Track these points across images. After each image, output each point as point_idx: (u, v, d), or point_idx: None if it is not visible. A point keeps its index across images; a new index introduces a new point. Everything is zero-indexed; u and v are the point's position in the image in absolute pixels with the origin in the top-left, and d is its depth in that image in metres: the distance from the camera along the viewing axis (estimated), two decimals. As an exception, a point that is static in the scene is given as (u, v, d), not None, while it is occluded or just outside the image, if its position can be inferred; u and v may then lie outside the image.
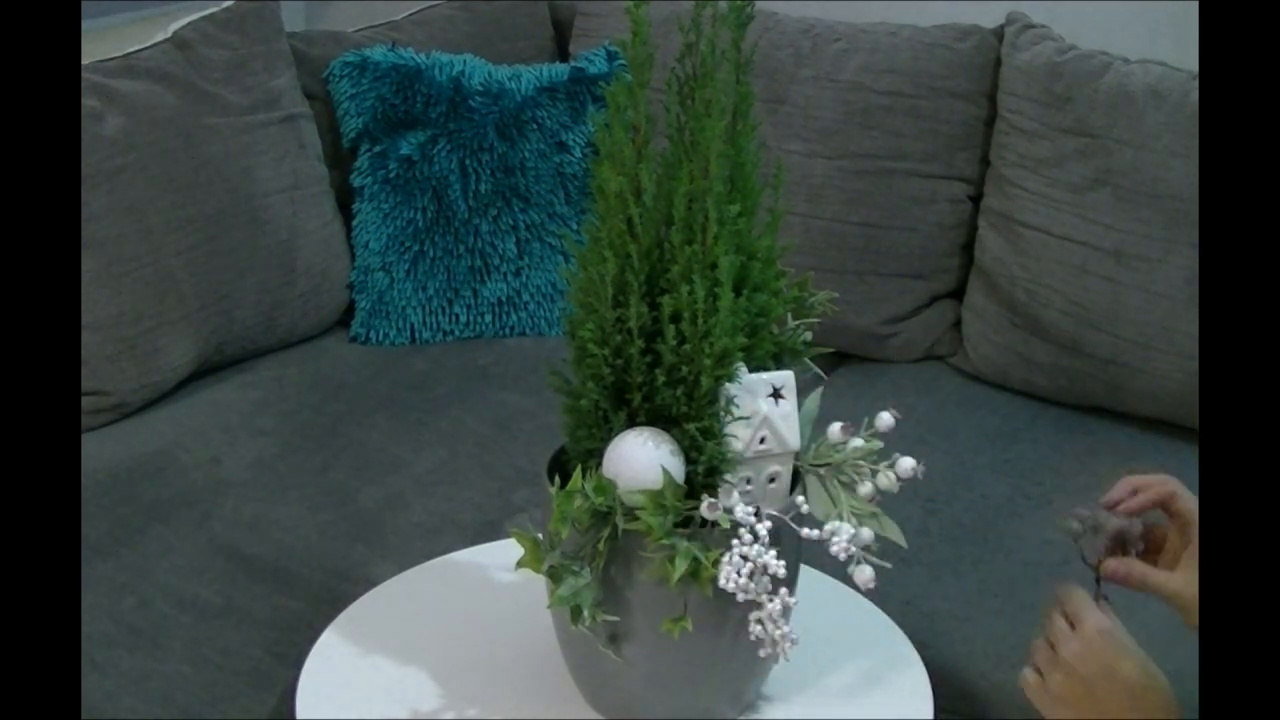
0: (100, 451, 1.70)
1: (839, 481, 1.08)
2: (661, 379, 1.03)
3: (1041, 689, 1.05)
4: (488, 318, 2.11)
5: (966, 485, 1.70)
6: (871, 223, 2.02)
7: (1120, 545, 1.12)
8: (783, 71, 2.07)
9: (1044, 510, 1.65)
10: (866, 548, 1.04)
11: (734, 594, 1.00)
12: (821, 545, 1.03)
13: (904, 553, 1.06)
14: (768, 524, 1.00)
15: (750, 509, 1.01)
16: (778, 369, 1.09)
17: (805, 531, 1.03)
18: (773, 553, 1.00)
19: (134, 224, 1.80)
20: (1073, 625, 1.04)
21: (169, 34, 1.95)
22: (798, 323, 1.15)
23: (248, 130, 1.96)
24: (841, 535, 1.02)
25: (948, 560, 1.56)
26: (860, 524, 1.04)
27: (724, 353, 1.02)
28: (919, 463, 1.06)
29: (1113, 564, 1.10)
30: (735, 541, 1.00)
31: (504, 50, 2.27)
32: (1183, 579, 1.07)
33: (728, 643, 1.06)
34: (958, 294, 2.06)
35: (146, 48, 1.92)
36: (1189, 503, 1.09)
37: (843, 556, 1.03)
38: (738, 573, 0.99)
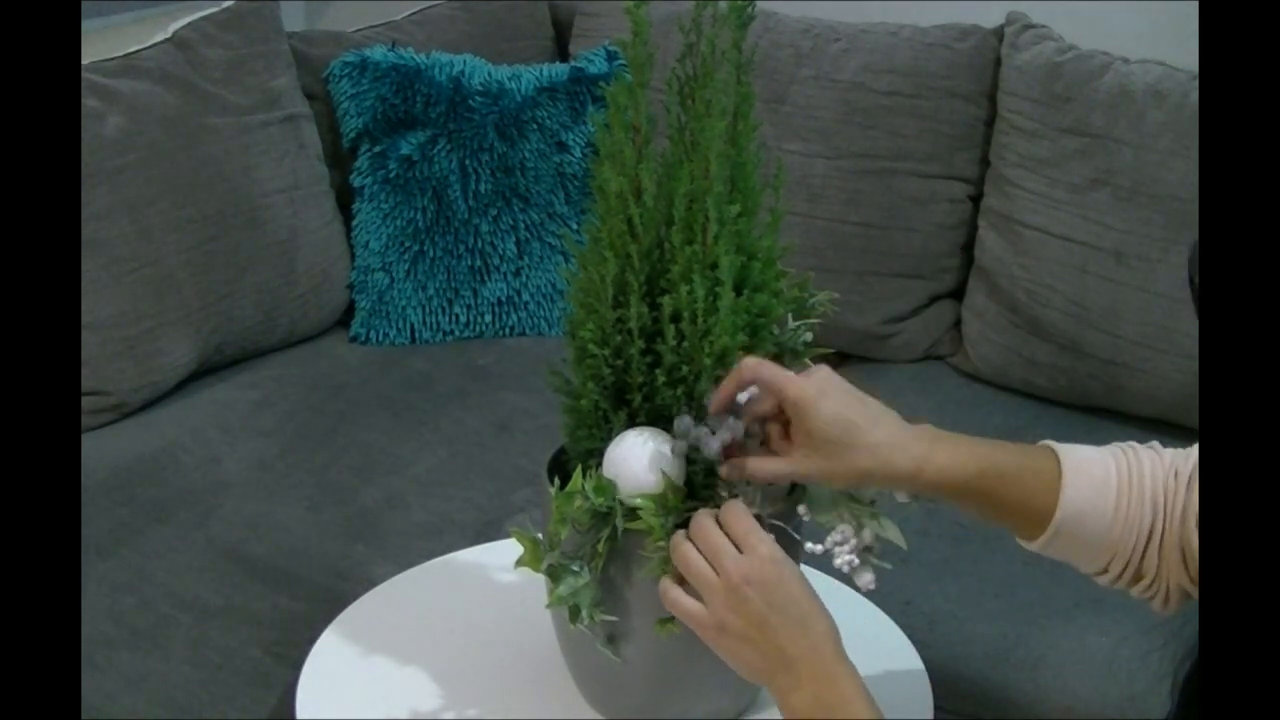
0: (100, 451, 1.70)
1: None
2: (662, 379, 1.03)
3: (697, 614, 0.98)
4: (488, 318, 2.11)
5: (966, 485, 1.69)
6: (871, 223, 2.02)
7: (735, 449, 1.04)
8: (783, 71, 2.07)
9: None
10: (868, 548, 1.04)
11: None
12: (825, 555, 1.03)
13: (904, 553, 1.06)
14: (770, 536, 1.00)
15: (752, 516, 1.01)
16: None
17: (809, 546, 1.04)
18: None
19: (134, 224, 1.80)
20: (738, 545, 0.98)
21: (169, 34, 1.95)
22: (798, 323, 1.14)
23: (248, 130, 1.96)
24: (844, 547, 1.02)
25: (948, 560, 1.56)
26: (861, 525, 1.04)
27: (724, 353, 1.02)
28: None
29: (724, 469, 1.02)
30: None
31: (504, 50, 2.27)
32: (792, 460, 1.00)
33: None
34: (958, 294, 2.06)
35: (146, 48, 1.92)
36: (775, 373, 1.00)
37: (846, 570, 1.03)
38: None
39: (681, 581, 1.00)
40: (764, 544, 0.97)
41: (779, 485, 1.08)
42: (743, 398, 1.04)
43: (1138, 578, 1.02)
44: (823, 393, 1.00)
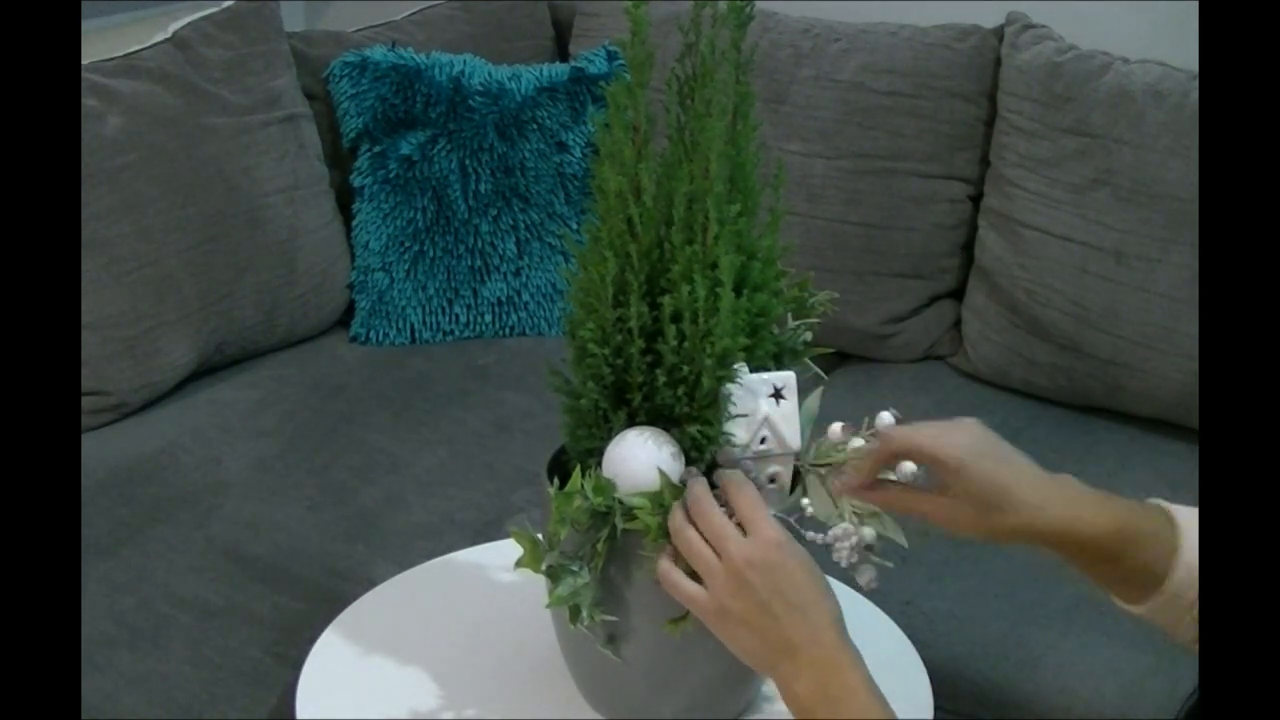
0: (100, 451, 1.70)
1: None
2: (662, 379, 1.02)
3: (699, 598, 0.96)
4: (488, 318, 2.11)
5: (966, 485, 1.69)
6: (871, 223, 2.02)
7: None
8: (783, 71, 2.07)
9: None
10: (869, 547, 1.04)
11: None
12: (825, 548, 1.03)
13: (904, 553, 1.06)
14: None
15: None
16: (778, 369, 1.09)
17: (810, 535, 1.03)
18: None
19: (134, 224, 1.80)
20: (742, 526, 0.96)
21: (169, 34, 1.95)
22: (798, 323, 1.14)
23: (248, 130, 1.96)
24: (845, 542, 1.02)
25: (948, 560, 1.56)
26: (861, 523, 1.04)
27: (725, 353, 1.02)
28: (919, 465, 1.06)
29: (877, 496, 1.02)
30: None
31: (504, 50, 2.27)
32: (941, 507, 1.00)
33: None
34: (958, 294, 2.06)
35: (146, 48, 1.92)
36: (922, 440, 1.01)
37: (845, 564, 1.03)
38: None
39: (678, 559, 0.98)
40: (768, 525, 0.95)
41: (780, 482, 1.08)
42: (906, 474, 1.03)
43: None
44: (975, 454, 0.99)
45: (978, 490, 0.98)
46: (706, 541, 0.96)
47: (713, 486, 1.01)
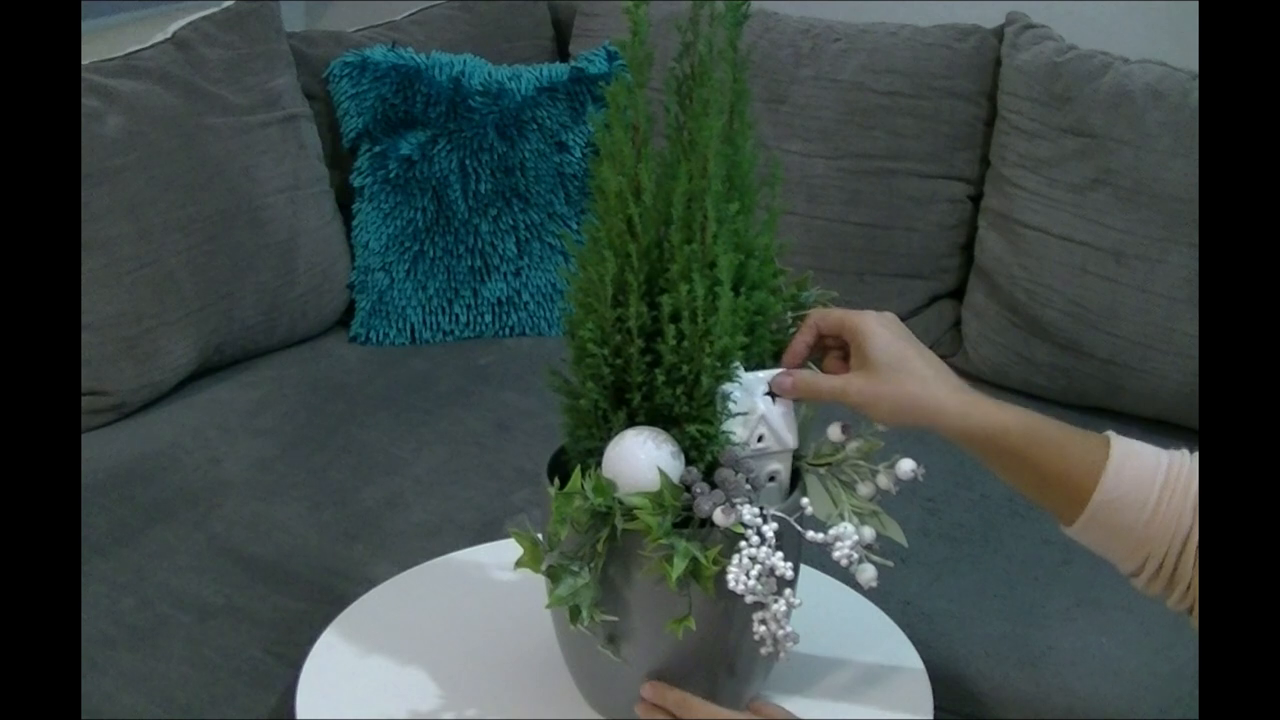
0: (100, 451, 1.70)
1: (839, 481, 1.08)
2: (661, 379, 1.02)
3: None
4: (488, 318, 2.11)
5: (966, 485, 1.69)
6: (871, 223, 2.02)
7: None
8: (783, 71, 2.08)
9: (1044, 510, 1.65)
10: (869, 547, 1.04)
11: (735, 594, 1.00)
12: (825, 548, 1.03)
13: (904, 553, 1.06)
14: (774, 525, 1.00)
15: (756, 511, 1.01)
16: (776, 367, 1.09)
17: (810, 534, 1.03)
18: (779, 555, 1.00)
19: (134, 224, 1.80)
20: None
21: (169, 34, 1.95)
22: (795, 317, 1.14)
23: (248, 130, 1.97)
24: (845, 541, 1.02)
25: (948, 560, 1.56)
26: (861, 523, 1.04)
27: (724, 352, 1.02)
28: (919, 464, 1.06)
29: (777, 383, 1.07)
30: (744, 544, 1.00)
31: (504, 50, 2.27)
32: (845, 379, 1.05)
33: (728, 642, 1.06)
34: (958, 294, 2.06)
35: (146, 48, 1.92)
36: (840, 311, 1.08)
37: (845, 564, 1.03)
38: (746, 574, 0.99)
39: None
40: None
41: (780, 484, 1.08)
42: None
43: (1172, 584, 1.00)
44: (882, 324, 1.06)
45: (882, 352, 1.04)
46: None
47: (712, 486, 1.01)
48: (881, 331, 1.05)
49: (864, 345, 1.05)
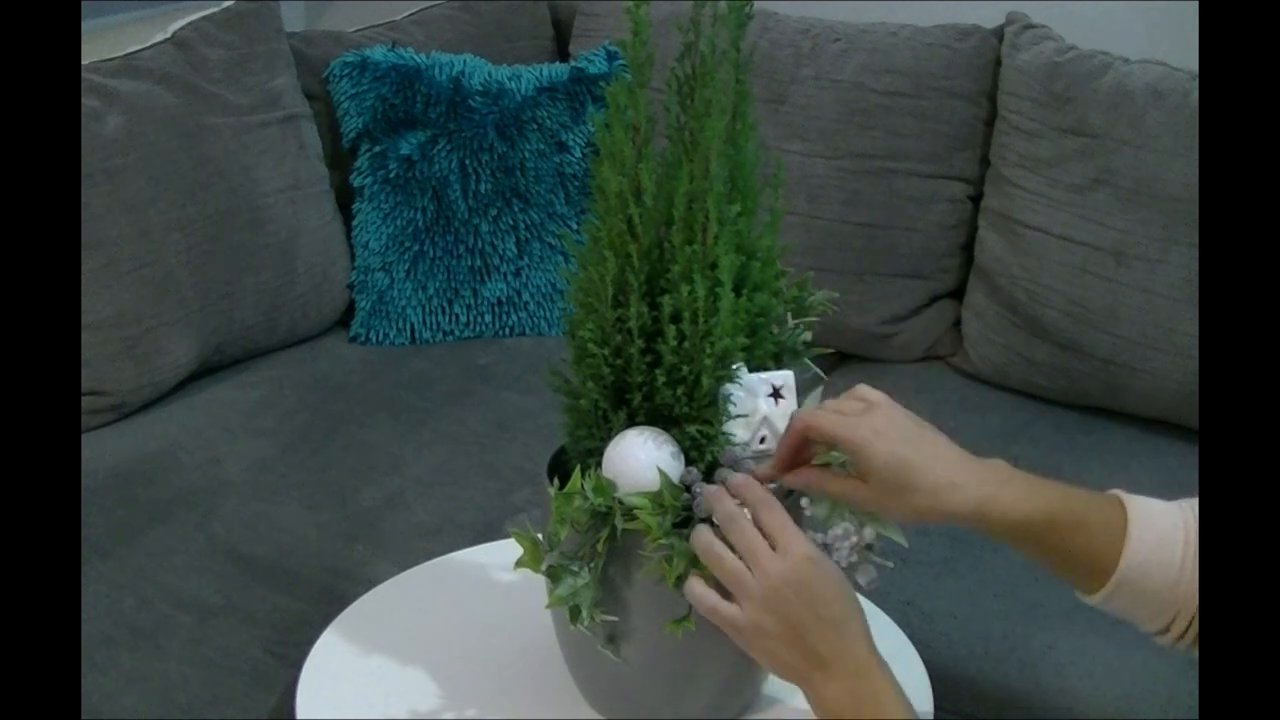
0: (100, 451, 1.70)
1: (839, 481, 1.08)
2: (662, 379, 1.02)
3: (737, 621, 0.96)
4: (488, 318, 2.11)
5: (966, 485, 1.69)
6: (871, 223, 2.02)
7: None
8: (783, 71, 2.08)
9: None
10: (869, 547, 1.04)
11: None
12: (825, 548, 1.03)
13: (904, 552, 1.06)
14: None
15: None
16: (778, 369, 1.09)
17: (810, 535, 1.03)
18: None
19: (134, 224, 1.80)
20: (772, 543, 0.96)
21: (169, 34, 1.95)
22: (797, 322, 1.14)
23: (248, 130, 1.96)
24: (845, 541, 1.02)
25: (948, 560, 1.56)
26: (861, 523, 1.04)
27: (725, 353, 1.02)
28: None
29: (790, 478, 1.02)
30: None
31: (504, 50, 2.27)
32: (855, 487, 1.00)
33: (728, 642, 1.06)
34: (958, 294, 2.06)
35: (146, 48, 1.92)
36: (829, 422, 1.00)
37: (845, 564, 1.03)
38: None
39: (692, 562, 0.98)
40: (800, 542, 0.96)
41: (780, 484, 1.08)
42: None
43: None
44: (877, 434, 0.99)
45: (882, 470, 0.98)
46: (740, 559, 0.96)
47: (710, 482, 1.01)
48: (877, 445, 0.98)
49: (863, 463, 0.99)
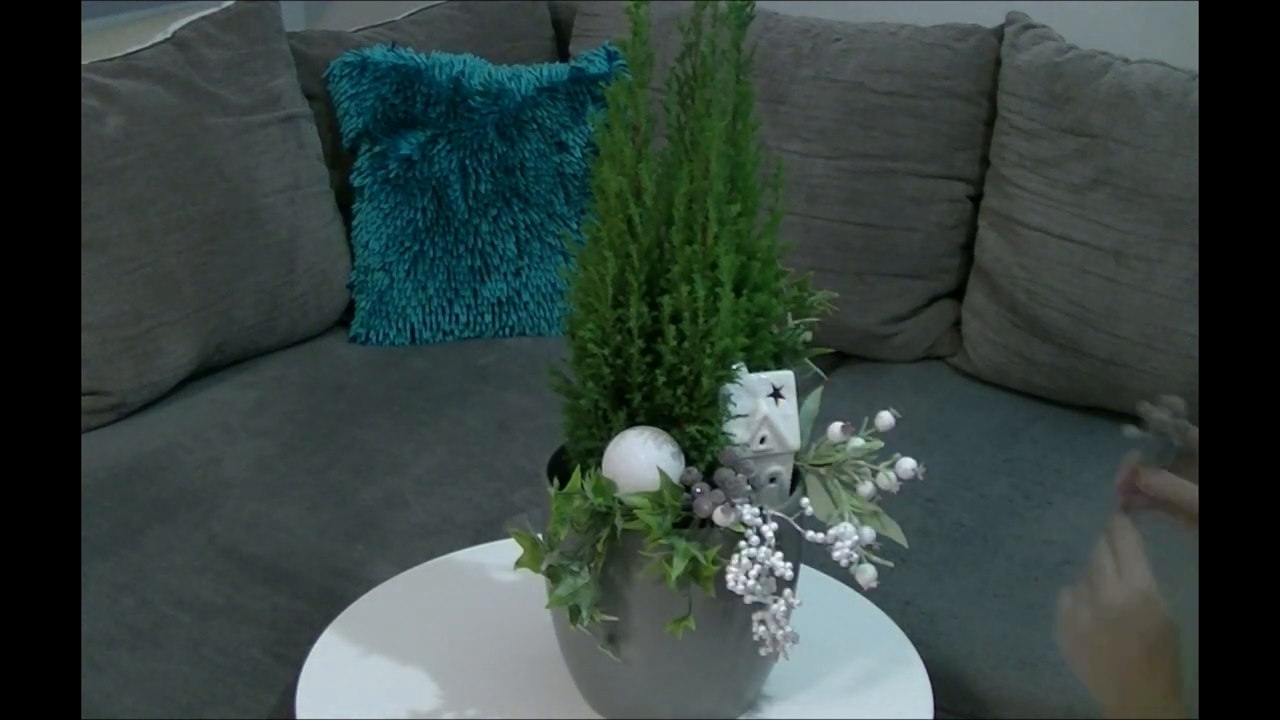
0: (100, 451, 1.70)
1: (839, 481, 1.08)
2: (662, 379, 1.03)
3: (1069, 620, 1.00)
4: (488, 318, 2.11)
5: (966, 485, 1.70)
6: (871, 223, 2.02)
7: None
8: (783, 71, 2.07)
9: (1044, 510, 1.65)
10: (868, 547, 1.04)
11: (735, 594, 1.00)
12: (824, 548, 1.03)
13: (904, 552, 1.06)
14: (774, 525, 1.00)
15: (756, 511, 1.01)
16: (778, 369, 1.09)
17: (810, 535, 1.03)
18: (779, 555, 1.00)
19: (134, 224, 1.80)
20: (1119, 566, 0.99)
21: (169, 34, 1.95)
22: (797, 322, 1.15)
23: (248, 130, 1.96)
24: (845, 541, 1.02)
25: (948, 560, 1.56)
26: (861, 523, 1.04)
27: (725, 353, 1.02)
28: (919, 464, 1.06)
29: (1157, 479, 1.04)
30: (743, 544, 1.00)
31: (504, 50, 2.27)
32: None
33: (728, 642, 1.06)
34: (958, 294, 2.06)
35: (146, 48, 1.92)
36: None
37: (845, 564, 1.03)
38: (745, 575, 0.99)
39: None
40: (1141, 572, 0.98)
41: (780, 485, 1.08)
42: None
43: None
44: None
45: None
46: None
47: (712, 486, 1.01)
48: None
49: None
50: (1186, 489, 1.02)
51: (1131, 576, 0.97)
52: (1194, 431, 1.06)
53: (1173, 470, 1.06)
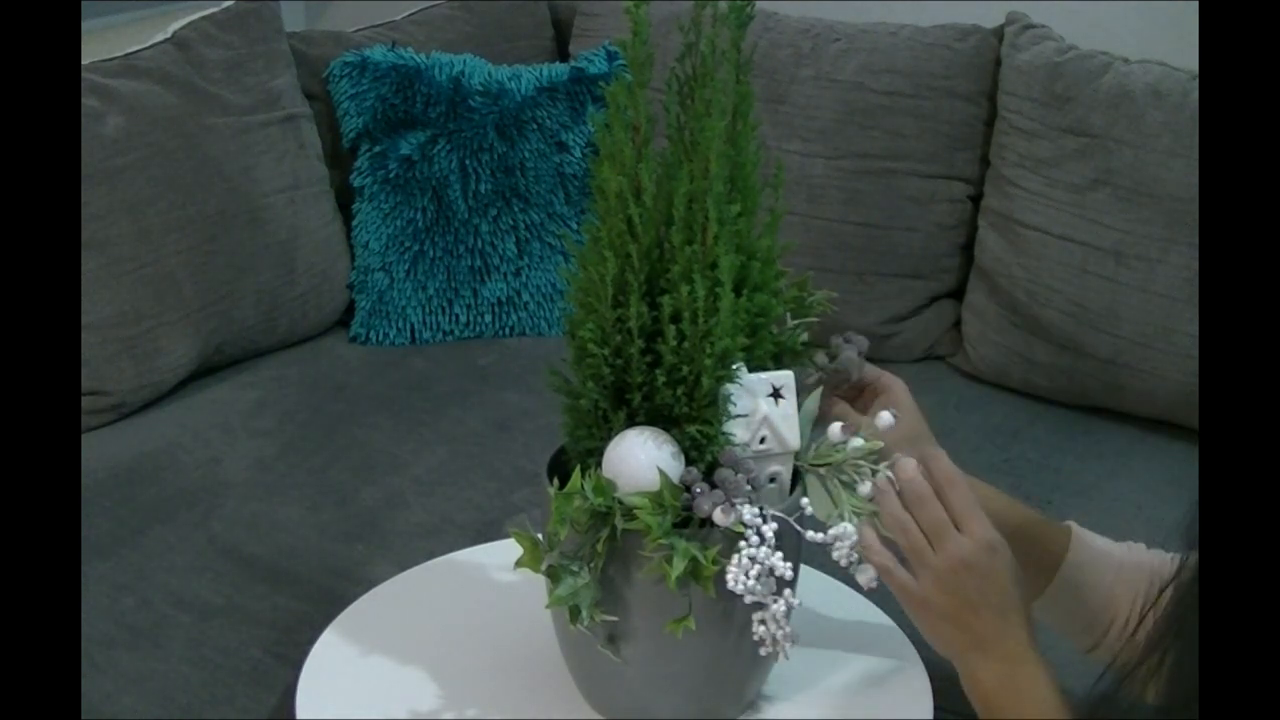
0: (100, 451, 1.70)
1: (839, 481, 1.08)
2: (661, 379, 1.02)
3: (904, 587, 1.00)
4: (488, 318, 2.11)
5: (966, 485, 1.69)
6: (871, 223, 2.02)
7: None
8: (783, 71, 2.07)
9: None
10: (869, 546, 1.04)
11: (735, 594, 1.00)
12: (824, 548, 1.03)
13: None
14: (774, 525, 1.00)
15: (756, 511, 1.01)
16: (778, 369, 1.09)
17: (810, 535, 1.03)
18: (779, 555, 1.00)
19: (134, 224, 1.80)
20: (957, 523, 0.99)
21: (169, 34, 1.95)
22: (797, 322, 1.14)
23: (248, 130, 1.96)
24: (845, 541, 1.02)
25: (948, 560, 1.55)
26: (861, 523, 1.04)
27: (725, 353, 1.02)
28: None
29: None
30: (743, 544, 1.00)
31: (504, 50, 2.27)
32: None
33: (728, 642, 1.06)
34: (958, 294, 2.06)
35: (146, 48, 1.92)
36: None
37: (844, 563, 1.03)
38: (745, 575, 0.99)
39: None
40: (983, 527, 0.99)
41: (780, 485, 1.08)
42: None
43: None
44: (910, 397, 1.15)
45: (909, 426, 1.12)
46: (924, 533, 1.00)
47: (712, 486, 1.01)
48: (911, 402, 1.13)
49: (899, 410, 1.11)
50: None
51: (977, 534, 0.99)
52: (871, 368, 1.18)
53: (844, 397, 1.17)
